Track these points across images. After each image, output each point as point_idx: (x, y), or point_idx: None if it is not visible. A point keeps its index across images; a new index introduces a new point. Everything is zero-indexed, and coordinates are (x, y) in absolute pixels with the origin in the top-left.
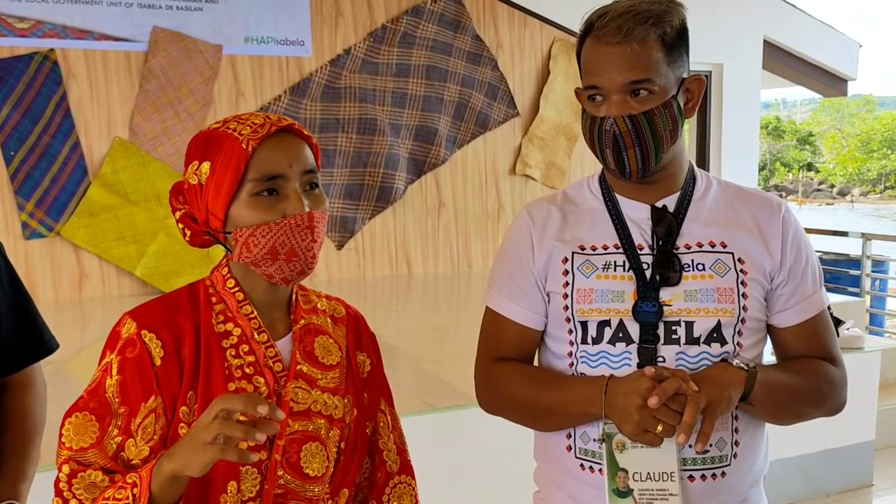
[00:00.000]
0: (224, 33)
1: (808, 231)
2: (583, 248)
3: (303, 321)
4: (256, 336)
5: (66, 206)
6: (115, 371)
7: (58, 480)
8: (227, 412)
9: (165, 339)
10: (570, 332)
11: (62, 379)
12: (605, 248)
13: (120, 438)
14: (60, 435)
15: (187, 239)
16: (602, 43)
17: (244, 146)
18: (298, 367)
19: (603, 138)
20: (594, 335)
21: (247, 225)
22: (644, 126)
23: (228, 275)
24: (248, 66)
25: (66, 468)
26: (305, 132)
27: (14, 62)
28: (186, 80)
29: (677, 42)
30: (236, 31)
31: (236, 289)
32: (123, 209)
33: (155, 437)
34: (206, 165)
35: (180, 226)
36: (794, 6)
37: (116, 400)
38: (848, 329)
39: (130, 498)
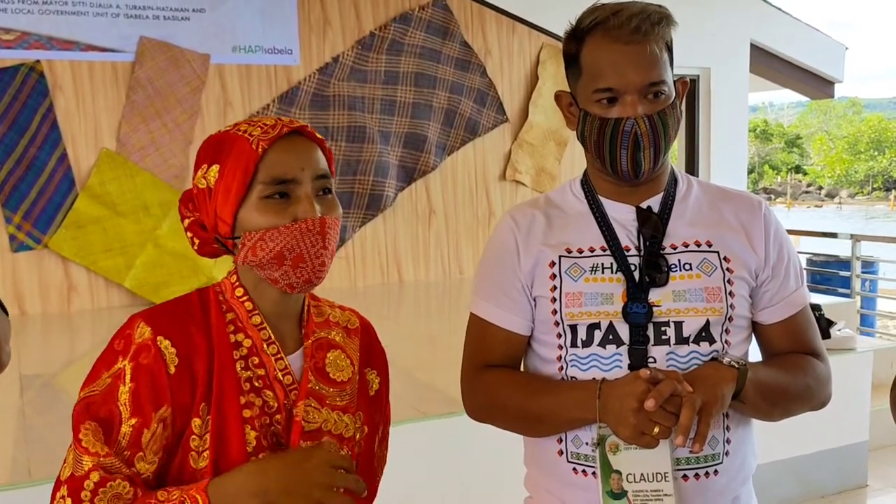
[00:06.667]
0: (211, 42)
1: (798, 233)
2: (569, 252)
3: (314, 337)
4: (266, 348)
5: (53, 218)
6: (128, 378)
7: (79, 487)
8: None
9: (179, 347)
10: (559, 336)
11: (51, 392)
12: (592, 250)
13: (128, 453)
14: (79, 441)
15: (195, 248)
16: (619, 42)
17: (254, 147)
18: (310, 385)
19: (620, 139)
20: (584, 338)
21: (256, 229)
22: (659, 126)
23: (237, 283)
24: (235, 76)
25: (94, 475)
26: (318, 136)
27: None
28: (174, 90)
29: (672, 44)
30: (224, 41)
31: (245, 298)
32: (111, 221)
33: (161, 448)
34: (214, 168)
35: (189, 234)
36: (780, 9)
37: (128, 409)
38: (840, 330)
39: None
